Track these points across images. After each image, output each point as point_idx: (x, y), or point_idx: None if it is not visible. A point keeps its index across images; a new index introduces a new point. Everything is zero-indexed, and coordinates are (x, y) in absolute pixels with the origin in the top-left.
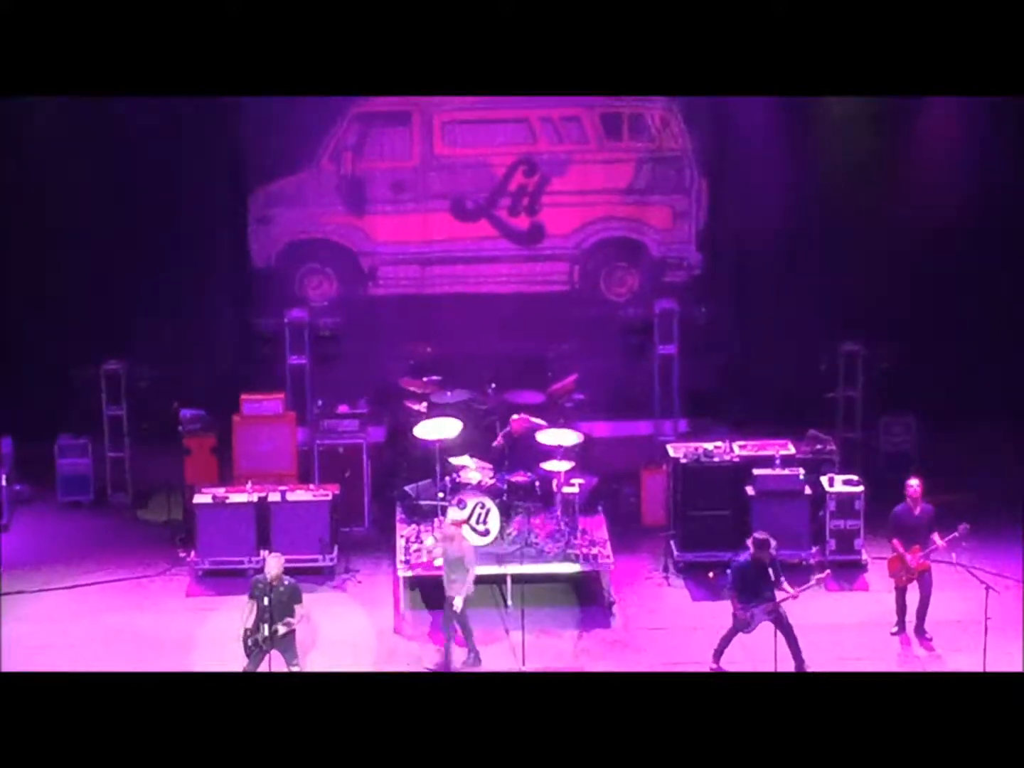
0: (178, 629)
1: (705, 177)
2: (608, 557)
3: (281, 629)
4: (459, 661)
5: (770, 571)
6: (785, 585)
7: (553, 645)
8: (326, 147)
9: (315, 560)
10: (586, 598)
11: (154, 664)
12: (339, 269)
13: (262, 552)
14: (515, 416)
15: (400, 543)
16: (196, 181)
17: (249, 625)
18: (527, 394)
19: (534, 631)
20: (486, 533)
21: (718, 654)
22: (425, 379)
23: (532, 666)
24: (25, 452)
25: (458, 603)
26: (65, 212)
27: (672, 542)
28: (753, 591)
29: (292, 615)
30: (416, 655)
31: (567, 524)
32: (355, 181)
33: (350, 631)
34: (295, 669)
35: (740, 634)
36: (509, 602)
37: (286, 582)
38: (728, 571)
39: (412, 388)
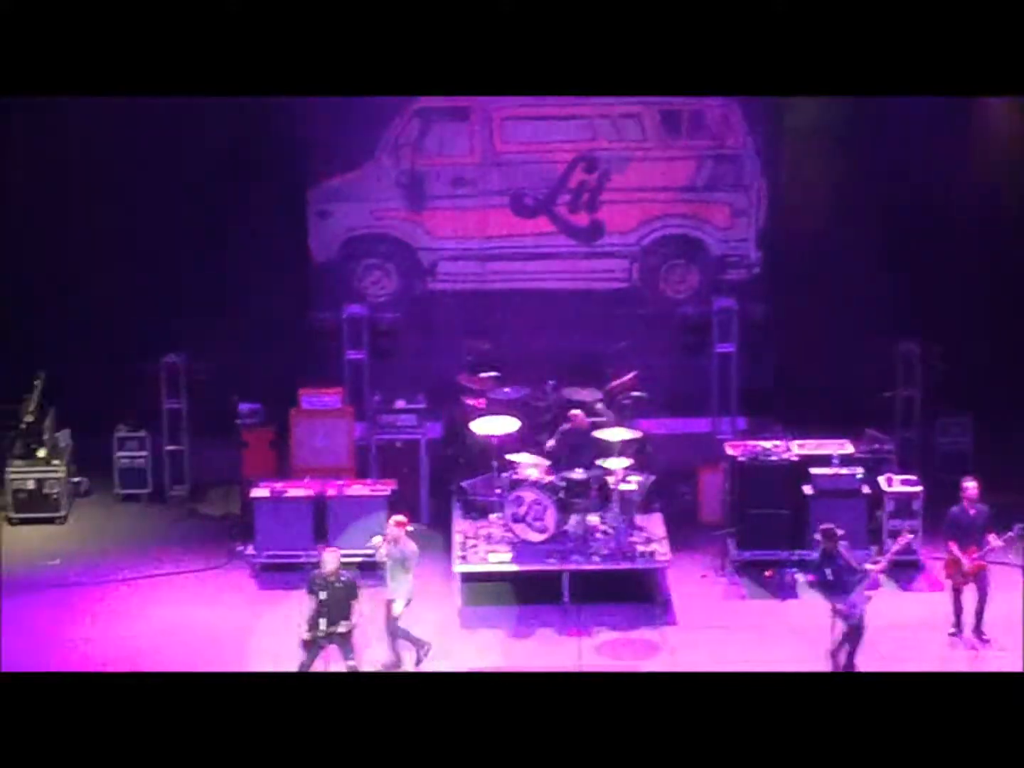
0: (235, 623)
1: (765, 175)
2: (665, 555)
3: (341, 628)
4: (410, 661)
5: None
6: (866, 565)
7: (609, 642)
8: (386, 142)
9: (372, 555)
10: (642, 596)
11: (210, 657)
12: (398, 264)
13: (319, 547)
14: (574, 411)
15: (457, 539)
16: (257, 176)
17: (307, 620)
18: (585, 391)
19: (590, 628)
20: (543, 530)
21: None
22: (483, 375)
23: (588, 663)
24: (84, 445)
25: (398, 607)
26: (126, 207)
27: (729, 540)
28: (837, 582)
29: (350, 610)
30: (472, 651)
31: (624, 521)
32: (415, 176)
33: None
34: (351, 664)
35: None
36: (566, 599)
37: (343, 577)
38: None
39: (470, 384)
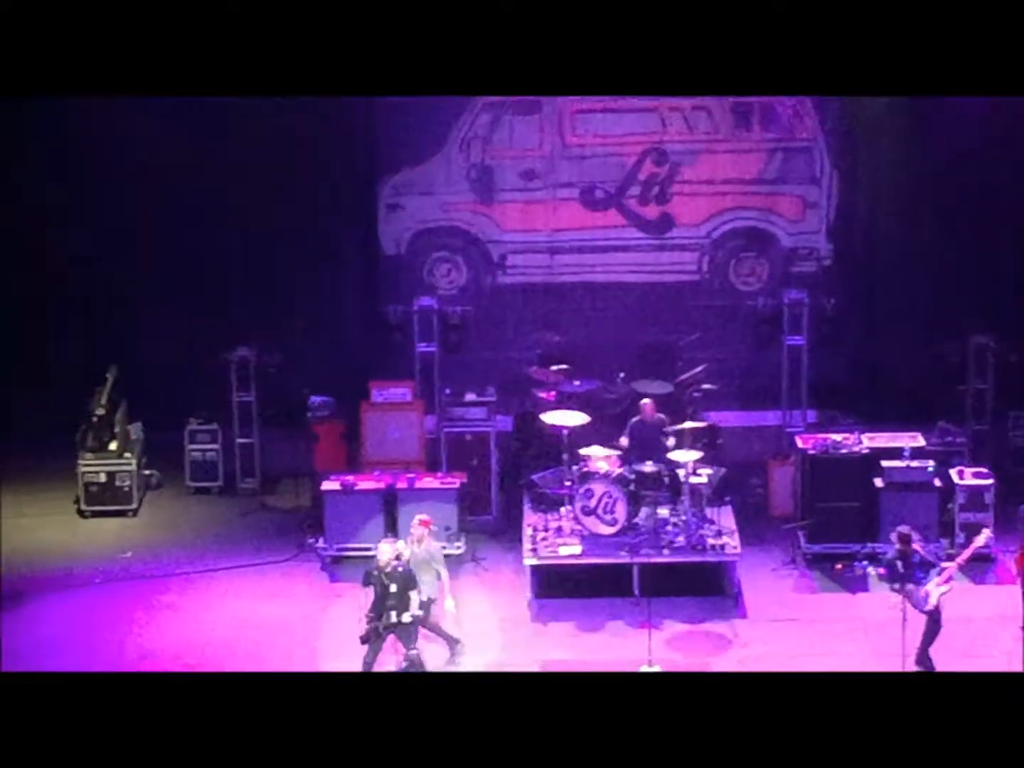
0: (305, 615)
1: (836, 167)
2: (735, 548)
3: (404, 618)
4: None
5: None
6: (943, 563)
7: (680, 635)
8: (456, 136)
9: (442, 548)
10: (712, 588)
11: (280, 651)
12: (468, 257)
13: (389, 537)
14: (644, 400)
15: (527, 532)
16: (327, 170)
17: (366, 613)
18: (655, 384)
19: (661, 621)
20: (613, 523)
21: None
22: (553, 368)
23: (658, 655)
24: (155, 438)
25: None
26: (197, 202)
27: (799, 533)
28: (910, 575)
29: (408, 601)
30: (543, 644)
31: (694, 514)
32: (484, 169)
33: (477, 619)
34: (413, 654)
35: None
36: (636, 592)
37: (400, 568)
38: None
39: (540, 377)
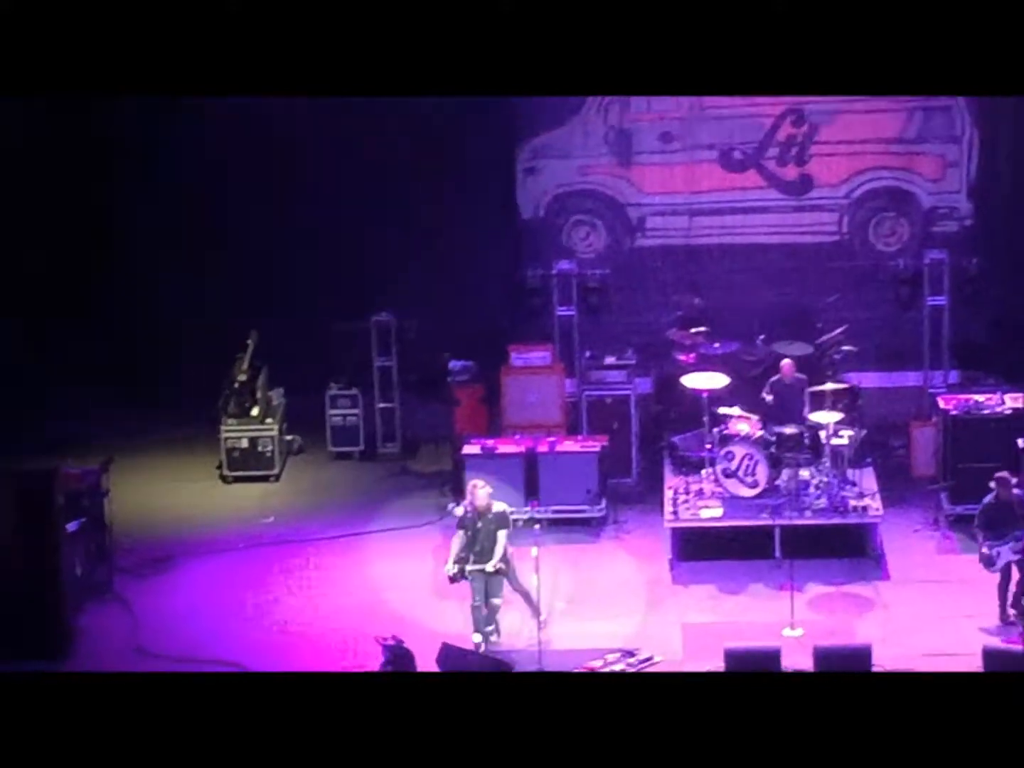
0: (446, 579)
1: (976, 126)
2: (877, 509)
3: (488, 568)
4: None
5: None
6: None
7: (821, 597)
8: (593, 99)
9: (583, 511)
10: (855, 550)
11: (422, 615)
12: (607, 220)
13: (472, 485)
14: (785, 361)
15: (668, 495)
16: (466, 133)
17: (454, 556)
18: (796, 345)
19: (802, 583)
20: (755, 485)
21: (1003, 608)
22: (693, 330)
23: (800, 618)
24: (297, 403)
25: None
26: (337, 166)
27: (942, 494)
28: (999, 530)
29: (496, 543)
30: (684, 606)
31: (836, 476)
32: (622, 132)
33: (619, 582)
34: (495, 603)
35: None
36: (778, 554)
37: (495, 510)
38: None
39: (680, 339)
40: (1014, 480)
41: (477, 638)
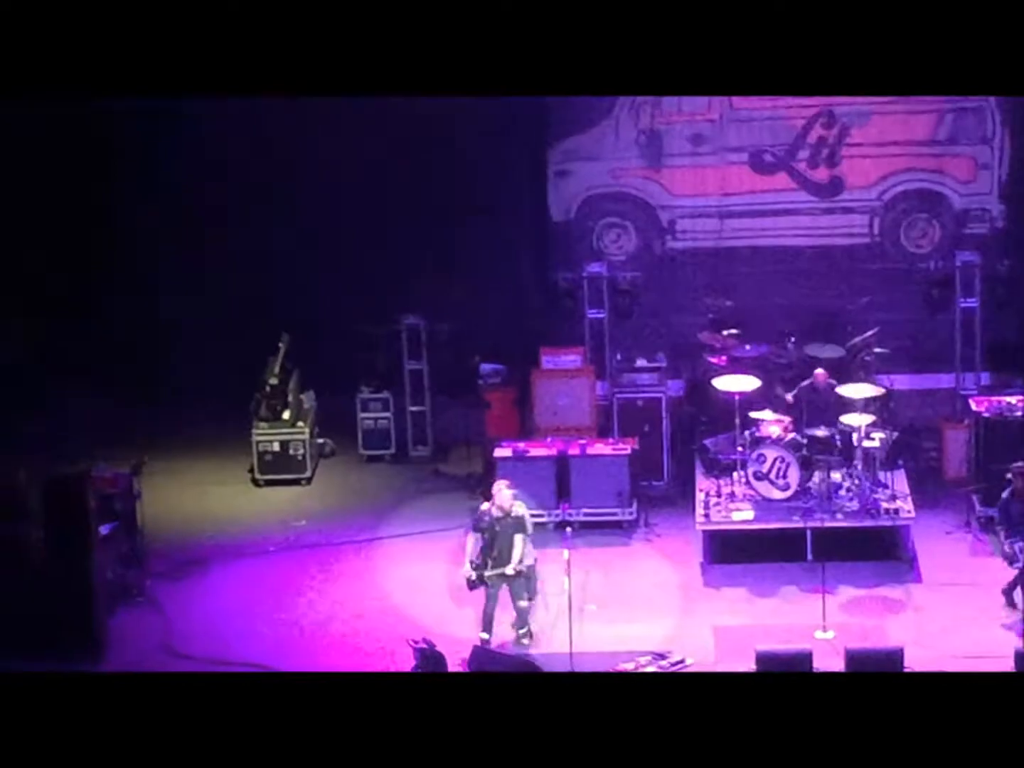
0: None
1: (1008, 127)
2: (909, 512)
3: (508, 571)
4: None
5: None
6: None
7: (854, 599)
8: (624, 101)
9: (614, 514)
10: (887, 553)
11: (452, 617)
12: (637, 222)
13: (499, 486)
14: (818, 370)
15: (699, 497)
16: (496, 135)
17: (471, 559)
18: (827, 348)
19: (835, 586)
20: (786, 487)
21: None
22: (724, 333)
23: (833, 620)
24: (328, 406)
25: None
26: (366, 169)
27: (974, 497)
28: (1019, 526)
29: (513, 550)
30: (716, 608)
31: (868, 478)
32: (653, 134)
33: (650, 586)
34: (521, 606)
35: None
36: (810, 556)
37: (514, 513)
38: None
39: (711, 342)
40: None
41: (485, 636)
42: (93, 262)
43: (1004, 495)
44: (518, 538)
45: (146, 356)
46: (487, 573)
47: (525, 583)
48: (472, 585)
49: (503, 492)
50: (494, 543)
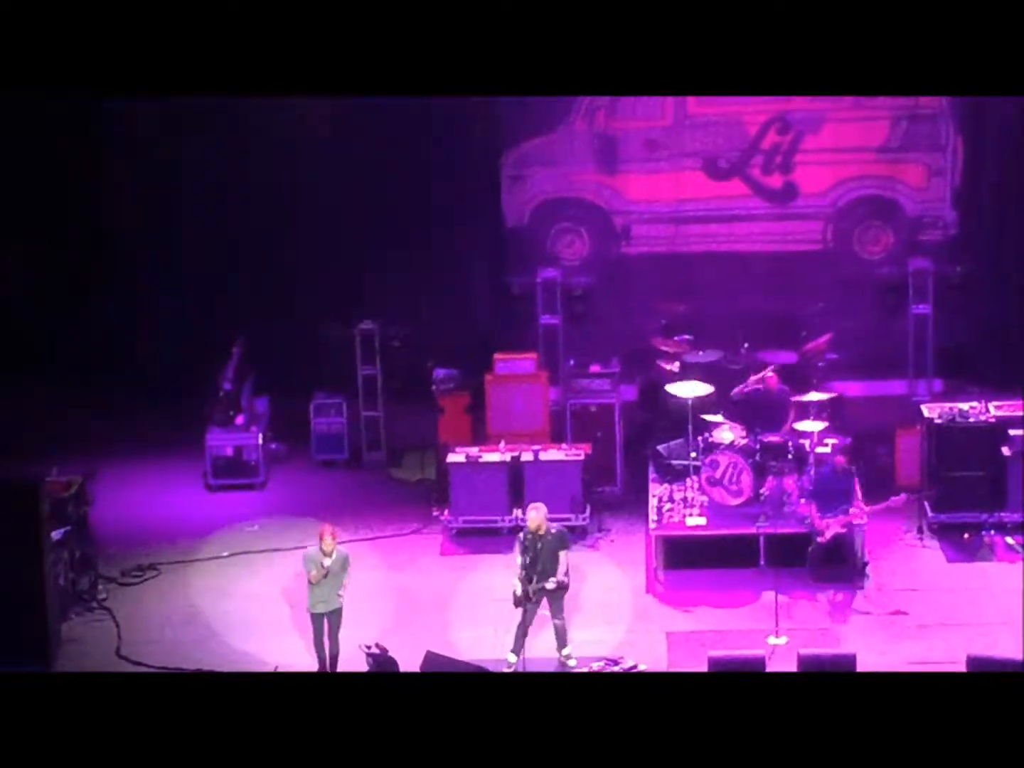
0: (433, 587)
1: (961, 134)
2: (862, 518)
3: (549, 585)
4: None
5: None
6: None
7: (806, 605)
8: (579, 106)
9: (567, 519)
10: (839, 558)
11: (407, 623)
12: (591, 228)
13: (525, 508)
14: (769, 372)
15: (652, 503)
16: (450, 141)
17: (519, 577)
18: (780, 353)
19: (788, 592)
20: (739, 493)
21: None
22: (677, 338)
23: (785, 626)
24: (281, 411)
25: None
26: (321, 173)
27: (926, 503)
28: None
29: (558, 563)
30: (668, 614)
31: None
32: (608, 140)
33: (603, 591)
34: (558, 624)
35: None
36: (762, 562)
37: (553, 530)
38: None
39: (664, 347)
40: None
41: (512, 658)
42: (42, 265)
43: (824, 471)
44: (562, 555)
45: (99, 359)
46: (531, 587)
47: (561, 600)
48: (518, 601)
49: (531, 515)
50: (537, 561)
